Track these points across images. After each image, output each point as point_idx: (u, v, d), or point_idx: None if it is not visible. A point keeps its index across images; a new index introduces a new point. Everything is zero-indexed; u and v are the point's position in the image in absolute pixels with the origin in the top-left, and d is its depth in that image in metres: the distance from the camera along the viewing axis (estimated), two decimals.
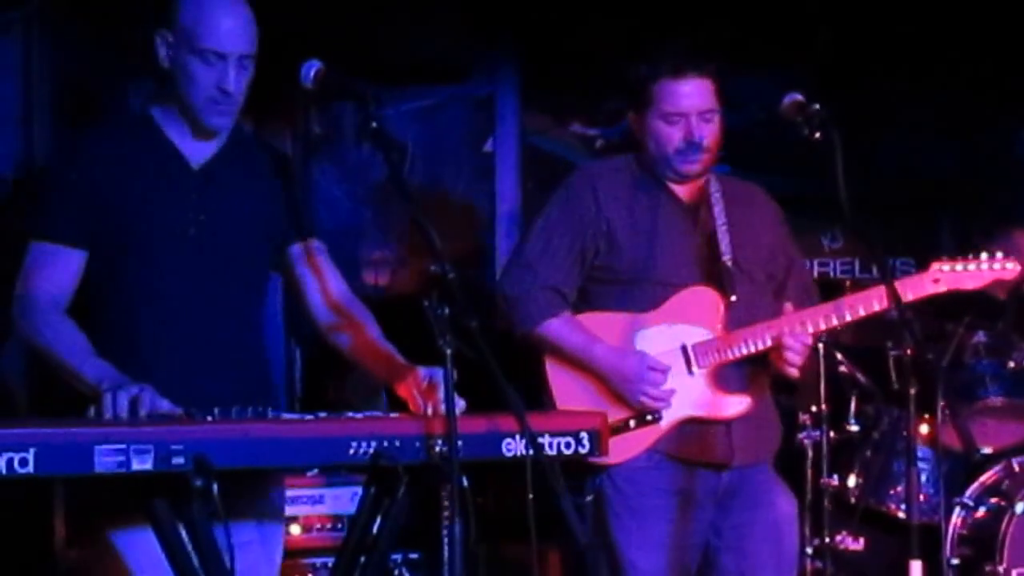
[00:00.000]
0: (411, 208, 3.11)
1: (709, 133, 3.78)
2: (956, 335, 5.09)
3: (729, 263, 3.82)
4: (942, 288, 3.86)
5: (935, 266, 3.87)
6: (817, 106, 3.52)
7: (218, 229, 3.18)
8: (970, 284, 3.89)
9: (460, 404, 2.91)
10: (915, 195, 6.26)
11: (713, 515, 3.85)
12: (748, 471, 3.87)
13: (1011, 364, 5.12)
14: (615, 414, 3.71)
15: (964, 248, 4.03)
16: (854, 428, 5.11)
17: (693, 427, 3.80)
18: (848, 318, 3.83)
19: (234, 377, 3.16)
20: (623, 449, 3.74)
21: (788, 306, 3.80)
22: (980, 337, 5.15)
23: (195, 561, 2.69)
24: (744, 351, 3.79)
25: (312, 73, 3.11)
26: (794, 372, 3.81)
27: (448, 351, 2.81)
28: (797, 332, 3.76)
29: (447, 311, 2.80)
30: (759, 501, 3.89)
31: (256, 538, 3.18)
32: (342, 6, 5.58)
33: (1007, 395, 5.10)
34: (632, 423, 3.76)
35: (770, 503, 3.92)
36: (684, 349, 3.80)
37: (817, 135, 3.42)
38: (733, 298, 3.81)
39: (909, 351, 3.47)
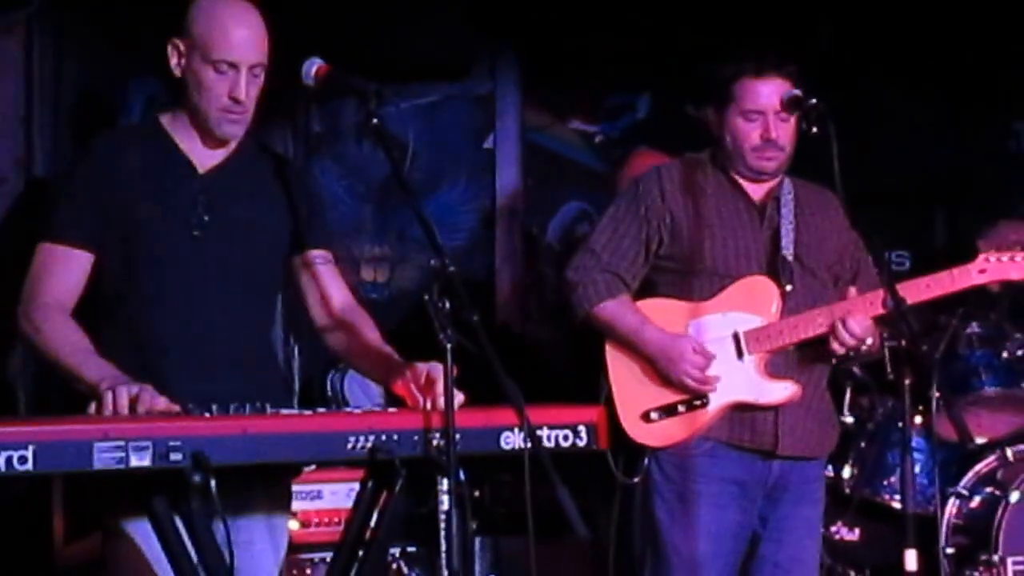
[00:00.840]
0: (412, 204, 3.13)
1: (785, 133, 3.85)
2: (950, 326, 5.11)
3: (789, 256, 3.88)
4: (987, 279, 3.87)
5: (982, 256, 3.88)
6: (814, 101, 3.57)
7: (224, 233, 3.20)
8: (1015, 275, 3.90)
9: (459, 398, 2.92)
10: (911, 188, 6.27)
11: (762, 505, 3.90)
12: (799, 464, 3.91)
13: (1005, 354, 5.13)
14: (665, 397, 3.83)
15: (958, 240, 4.06)
16: (849, 419, 5.13)
17: (743, 413, 3.86)
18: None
19: (243, 379, 3.17)
20: (671, 433, 3.84)
21: (852, 290, 3.85)
22: (974, 328, 5.17)
23: (194, 557, 2.72)
24: (795, 337, 3.84)
25: (313, 71, 3.13)
26: (840, 349, 3.81)
27: (449, 345, 2.82)
28: (855, 314, 3.78)
29: (448, 306, 2.83)
30: (805, 497, 3.94)
31: (265, 529, 3.21)
32: (343, 3, 5.59)
33: (1001, 385, 5.12)
34: (681, 407, 3.83)
35: (815, 501, 3.98)
36: (736, 335, 3.86)
37: (814, 129, 3.47)
38: (788, 288, 3.86)
39: (904, 343, 3.50)
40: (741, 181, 3.94)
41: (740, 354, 3.86)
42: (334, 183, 6.04)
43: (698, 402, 3.84)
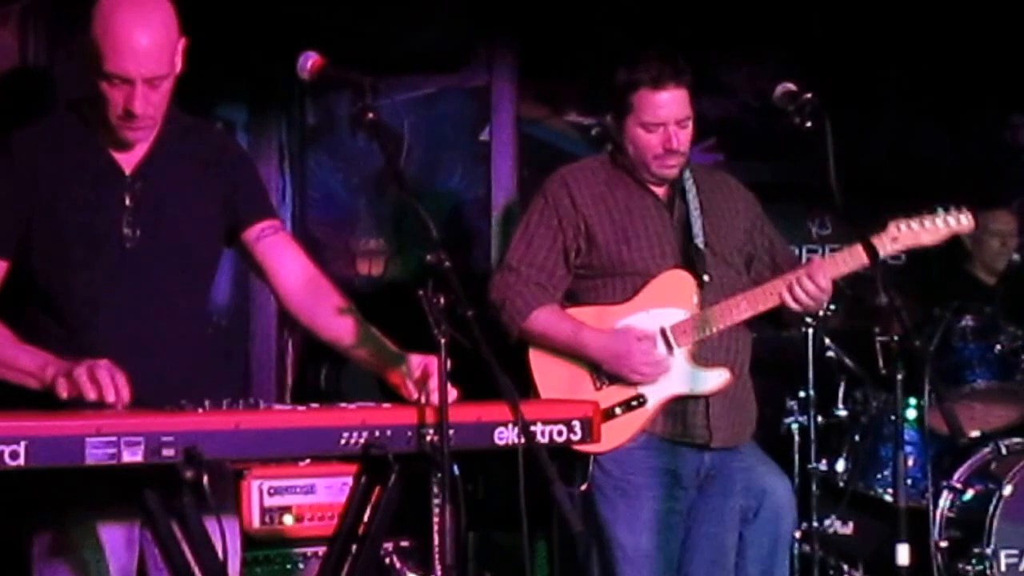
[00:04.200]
0: (407, 197, 3.10)
1: (685, 139, 3.91)
2: (944, 319, 5.12)
3: (701, 245, 3.93)
4: (900, 246, 3.97)
5: (892, 224, 3.97)
6: (809, 95, 3.56)
7: (156, 235, 3.08)
8: (927, 240, 4.00)
9: (452, 394, 2.91)
10: (905, 181, 6.27)
11: (695, 497, 3.95)
12: (727, 455, 3.97)
13: (998, 347, 5.16)
14: (602, 402, 3.72)
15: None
16: (842, 413, 5.17)
17: (676, 406, 3.90)
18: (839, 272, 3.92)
19: (185, 379, 3.06)
20: (611, 437, 3.81)
21: (816, 258, 3.95)
22: (967, 321, 5.18)
23: (187, 553, 2.72)
24: (721, 325, 3.89)
25: (308, 64, 3.10)
26: (797, 307, 3.89)
27: (443, 340, 2.81)
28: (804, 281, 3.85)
29: (442, 300, 2.81)
30: (729, 489, 3.98)
31: (232, 524, 3.19)
32: None
33: (994, 378, 5.14)
34: (619, 410, 3.86)
35: (735, 492, 3.99)
36: (663, 331, 3.90)
37: (809, 124, 3.46)
38: (706, 278, 3.91)
39: (896, 336, 3.51)
40: (645, 179, 3.99)
41: (670, 349, 3.89)
42: (329, 175, 6.04)
43: (635, 403, 3.87)
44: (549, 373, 3.90)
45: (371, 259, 6.11)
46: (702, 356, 3.91)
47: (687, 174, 4.01)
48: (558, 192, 3.98)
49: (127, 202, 3.08)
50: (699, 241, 3.93)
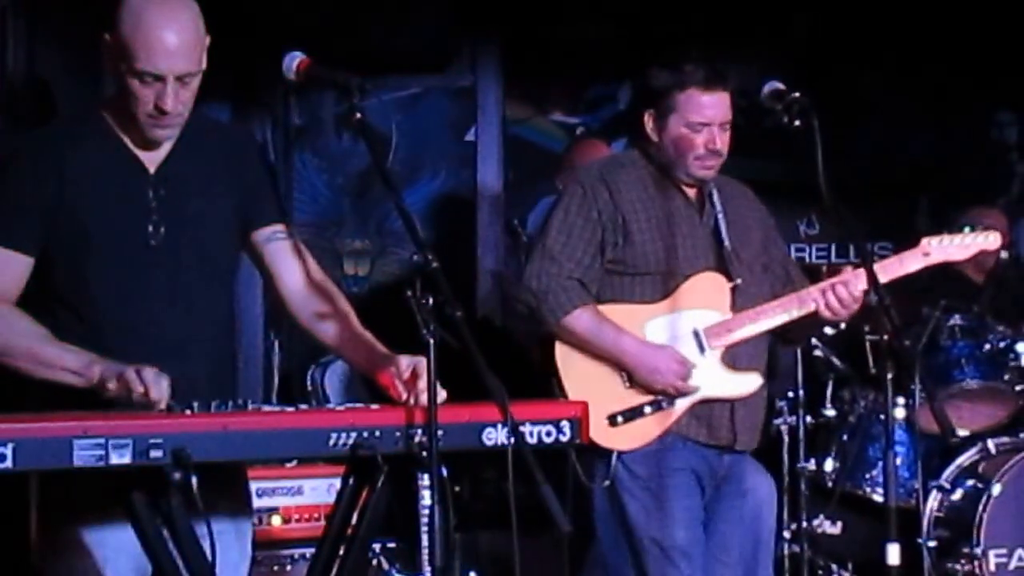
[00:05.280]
0: (393, 197, 3.09)
1: (726, 142, 3.91)
2: (932, 318, 5.12)
3: (730, 249, 3.94)
4: (932, 261, 4.00)
5: (924, 241, 4.00)
6: (797, 94, 3.55)
7: (179, 234, 3.11)
8: (958, 256, 4.05)
9: (441, 394, 2.89)
10: (892, 179, 6.29)
11: (711, 497, 3.96)
12: (738, 456, 3.99)
13: (987, 346, 5.15)
14: (631, 400, 3.84)
15: (941, 232, 4.10)
16: (830, 413, 5.17)
17: (702, 409, 3.90)
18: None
19: (204, 379, 3.08)
20: (638, 436, 3.85)
21: (848, 269, 3.92)
22: (956, 320, 5.18)
23: (175, 555, 2.70)
24: (756, 329, 3.90)
25: (295, 65, 3.08)
26: (828, 314, 3.91)
27: (431, 341, 2.80)
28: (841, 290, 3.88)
29: (430, 301, 2.80)
30: (741, 489, 4.00)
31: (231, 531, 3.18)
32: None
33: (983, 378, 5.12)
34: (648, 408, 3.85)
35: (748, 490, 4.02)
36: (696, 333, 3.89)
37: (796, 123, 3.46)
38: (738, 281, 3.91)
39: (885, 336, 3.51)
40: (679, 179, 3.97)
41: (701, 351, 3.89)
42: (314, 176, 6.04)
43: (665, 404, 3.86)
44: (577, 370, 3.88)
45: (357, 260, 6.11)
46: (732, 360, 3.91)
47: (710, 181, 4.00)
48: (596, 184, 3.94)
49: (151, 201, 3.10)
50: (728, 245, 3.94)
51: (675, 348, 3.87)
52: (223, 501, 3.08)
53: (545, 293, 3.87)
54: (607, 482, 3.86)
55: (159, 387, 2.83)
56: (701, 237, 3.95)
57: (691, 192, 3.99)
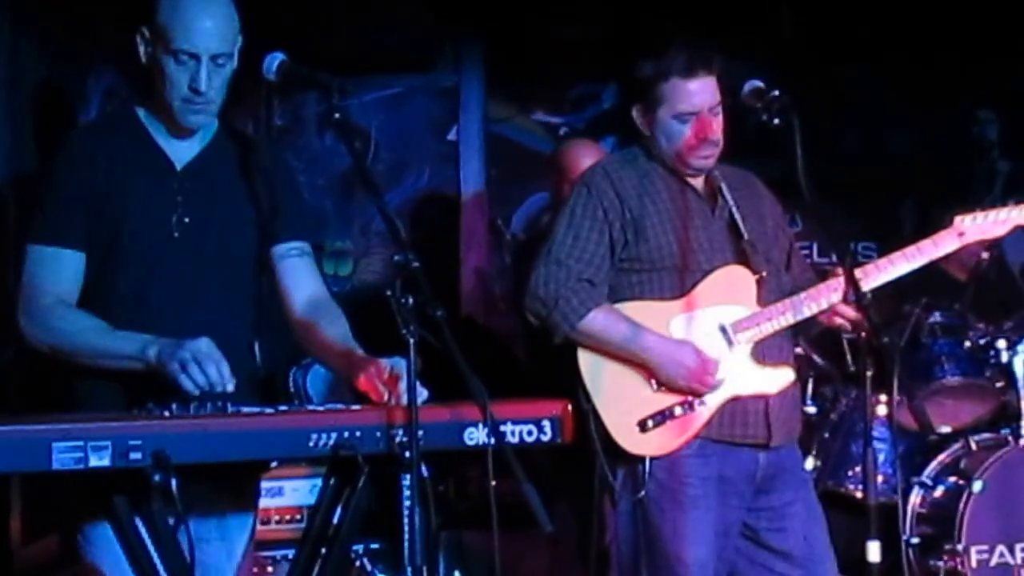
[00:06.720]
0: (375, 197, 3.10)
1: (718, 127, 3.80)
2: (913, 315, 5.13)
3: (750, 242, 3.84)
4: (969, 240, 3.92)
5: (957, 219, 3.91)
6: (777, 93, 3.54)
7: (202, 231, 3.19)
8: (996, 231, 3.95)
9: (423, 394, 2.91)
10: (875, 178, 6.30)
11: (751, 498, 3.81)
12: (784, 451, 3.86)
13: (967, 344, 5.15)
14: (660, 402, 3.72)
15: (926, 231, 4.07)
16: (811, 410, 5.16)
17: (734, 406, 3.77)
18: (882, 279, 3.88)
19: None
20: (669, 438, 3.72)
21: (838, 271, 3.78)
22: (937, 317, 5.18)
23: (155, 557, 2.70)
24: (785, 322, 3.80)
25: (275, 65, 3.11)
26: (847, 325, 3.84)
27: (412, 340, 2.80)
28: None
29: (412, 301, 2.80)
30: (798, 481, 3.89)
31: (216, 526, 3.19)
32: None
33: (964, 374, 5.13)
34: (678, 410, 3.73)
35: (805, 480, 3.95)
36: (723, 328, 3.79)
37: (777, 121, 3.44)
38: (764, 273, 3.82)
39: (863, 334, 3.51)
40: (681, 172, 3.88)
41: (730, 346, 3.78)
42: (296, 177, 6.02)
43: (697, 402, 3.73)
44: (603, 378, 3.75)
45: (339, 260, 6.10)
46: (761, 354, 3.80)
47: (717, 171, 3.90)
48: (601, 184, 3.84)
49: (176, 195, 3.19)
50: (747, 237, 3.83)
51: (699, 345, 3.74)
52: (209, 494, 3.10)
53: (555, 299, 3.75)
54: (642, 493, 3.71)
55: (216, 370, 2.92)
56: (717, 231, 3.84)
57: (699, 184, 3.88)
